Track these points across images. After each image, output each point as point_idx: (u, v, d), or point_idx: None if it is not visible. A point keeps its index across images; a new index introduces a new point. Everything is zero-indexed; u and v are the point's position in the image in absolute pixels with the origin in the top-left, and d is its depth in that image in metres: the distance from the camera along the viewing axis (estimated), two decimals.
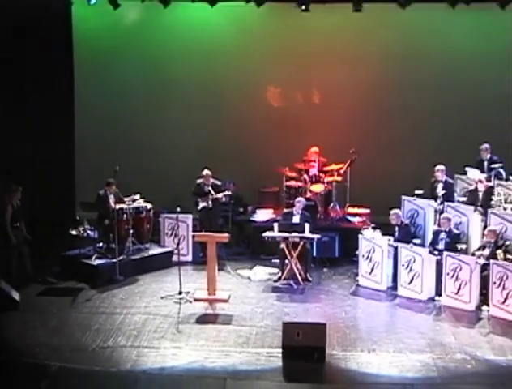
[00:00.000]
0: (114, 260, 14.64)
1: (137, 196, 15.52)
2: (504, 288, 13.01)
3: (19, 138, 16.40)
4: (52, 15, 16.22)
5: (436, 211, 15.19)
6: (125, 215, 15.05)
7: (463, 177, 15.80)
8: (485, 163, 15.71)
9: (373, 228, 14.87)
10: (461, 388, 10.94)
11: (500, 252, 13.57)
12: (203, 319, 13.05)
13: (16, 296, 13.31)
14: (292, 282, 14.54)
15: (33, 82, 16.61)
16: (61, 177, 17.07)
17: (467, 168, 15.61)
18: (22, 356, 11.58)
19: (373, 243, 14.48)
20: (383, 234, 14.60)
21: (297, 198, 15.38)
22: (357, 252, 14.78)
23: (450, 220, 14.36)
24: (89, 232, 15.16)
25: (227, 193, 15.89)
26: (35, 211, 15.43)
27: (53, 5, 15.82)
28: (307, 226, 14.51)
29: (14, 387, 10.69)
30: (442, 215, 14.57)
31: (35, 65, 16.51)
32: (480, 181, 15.05)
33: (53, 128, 16.84)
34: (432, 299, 13.87)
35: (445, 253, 13.73)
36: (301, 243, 14.52)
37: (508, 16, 16.08)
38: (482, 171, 15.56)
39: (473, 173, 15.41)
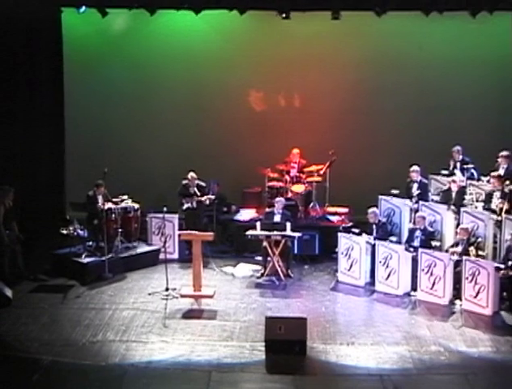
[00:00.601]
0: (103, 258, 14.62)
1: (125, 197, 15.53)
2: (476, 283, 13.10)
3: (11, 141, 16.35)
4: (43, 23, 16.22)
5: (411, 209, 15.26)
6: (113, 215, 15.06)
7: (437, 177, 15.89)
8: (458, 164, 15.79)
9: (357, 234, 14.79)
10: (435, 379, 11.02)
11: (472, 249, 13.66)
12: (189, 314, 13.06)
13: (9, 293, 13.27)
14: (274, 278, 14.57)
15: (25, 86, 16.56)
16: (52, 178, 17.03)
17: (455, 171, 15.65)
18: (15, 351, 11.58)
19: (351, 241, 14.54)
20: (361, 232, 14.64)
21: (277, 198, 15.40)
22: (336, 249, 14.82)
23: (424, 218, 14.43)
24: (79, 231, 15.10)
25: (210, 197, 15.86)
26: (27, 211, 15.40)
27: (44, 13, 15.79)
28: (288, 225, 14.55)
29: (7, 381, 10.65)
30: (417, 214, 14.64)
31: (27, 69, 16.47)
32: (454, 182, 15.15)
33: (44, 131, 16.81)
34: (408, 294, 13.93)
35: (420, 250, 13.80)
36: (283, 241, 14.54)
37: (479, 24, 16.16)
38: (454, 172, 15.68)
39: (458, 176, 15.45)
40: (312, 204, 16.92)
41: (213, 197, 15.98)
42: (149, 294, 13.89)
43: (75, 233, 15.08)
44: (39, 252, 15.26)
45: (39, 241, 15.44)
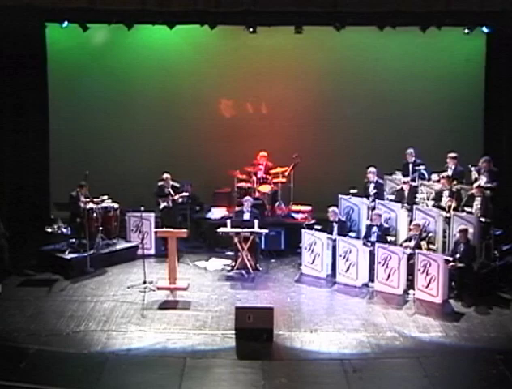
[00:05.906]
0: (85, 254, 14.53)
1: (105, 197, 15.45)
2: (427, 274, 13.19)
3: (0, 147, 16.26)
4: (29, 37, 16.06)
5: (368, 208, 15.30)
6: (95, 214, 14.97)
7: (392, 177, 15.97)
8: (410, 165, 15.84)
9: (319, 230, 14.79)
10: (391, 362, 11.11)
11: (424, 243, 13.79)
12: (165, 305, 13.03)
13: None
14: (243, 271, 14.55)
15: (12, 95, 16.40)
16: (37, 180, 16.84)
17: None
18: (3, 341, 11.50)
19: (314, 236, 14.56)
20: (322, 230, 14.66)
21: (245, 198, 15.37)
22: (300, 244, 14.85)
23: (380, 215, 14.50)
24: (63, 229, 15.00)
25: (183, 194, 15.82)
26: (14, 210, 15.26)
27: (28, 28, 15.65)
28: (256, 222, 14.53)
29: None
30: (374, 212, 14.72)
31: (14, 79, 16.31)
32: (405, 182, 15.23)
33: (30, 137, 16.67)
34: (365, 285, 13.97)
35: (376, 244, 13.86)
36: (251, 237, 14.54)
37: (429, 38, 16.25)
38: (407, 172, 15.72)
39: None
40: (278, 203, 16.93)
41: (186, 194, 15.92)
42: (128, 287, 13.83)
43: (59, 231, 14.99)
44: (26, 249, 15.13)
45: (26, 239, 15.31)
